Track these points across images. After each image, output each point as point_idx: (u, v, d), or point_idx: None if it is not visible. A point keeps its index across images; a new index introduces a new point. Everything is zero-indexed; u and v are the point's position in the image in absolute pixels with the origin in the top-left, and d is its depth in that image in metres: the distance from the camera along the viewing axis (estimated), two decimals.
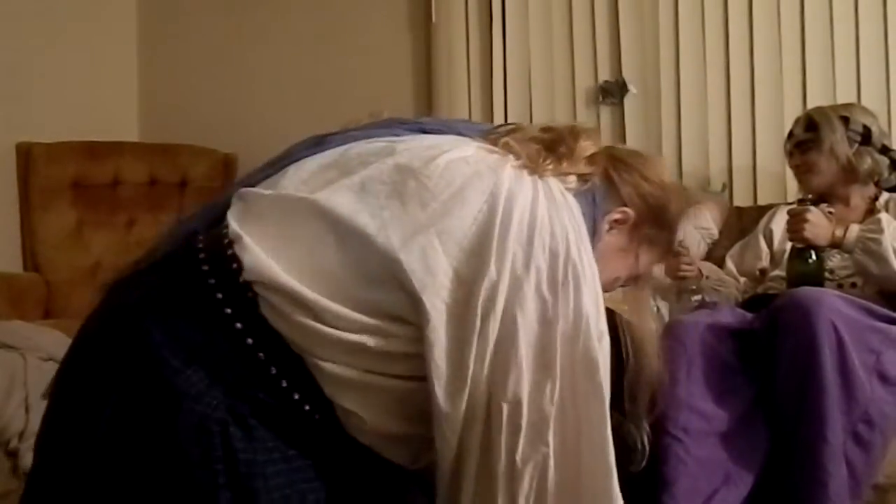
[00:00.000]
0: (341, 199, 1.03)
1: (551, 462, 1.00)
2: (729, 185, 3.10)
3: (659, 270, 2.45)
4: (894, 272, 2.01)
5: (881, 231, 2.03)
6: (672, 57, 3.16)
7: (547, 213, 1.03)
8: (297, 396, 1.01)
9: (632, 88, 3.18)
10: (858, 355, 1.79)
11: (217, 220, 1.09)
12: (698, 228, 2.82)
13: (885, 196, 2.37)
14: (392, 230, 1.00)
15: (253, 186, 1.11)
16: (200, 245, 1.06)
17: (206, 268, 1.03)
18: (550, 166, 1.09)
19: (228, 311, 1.00)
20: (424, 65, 3.46)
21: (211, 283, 1.02)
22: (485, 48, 3.36)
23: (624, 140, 3.20)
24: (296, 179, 1.09)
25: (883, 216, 2.09)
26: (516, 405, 0.97)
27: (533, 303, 0.99)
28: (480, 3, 3.37)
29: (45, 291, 3.06)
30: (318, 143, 1.17)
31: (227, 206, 1.09)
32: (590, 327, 1.02)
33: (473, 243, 1.00)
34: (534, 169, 1.07)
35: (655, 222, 1.19)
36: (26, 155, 3.13)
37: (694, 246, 2.63)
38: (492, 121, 3.32)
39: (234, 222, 1.05)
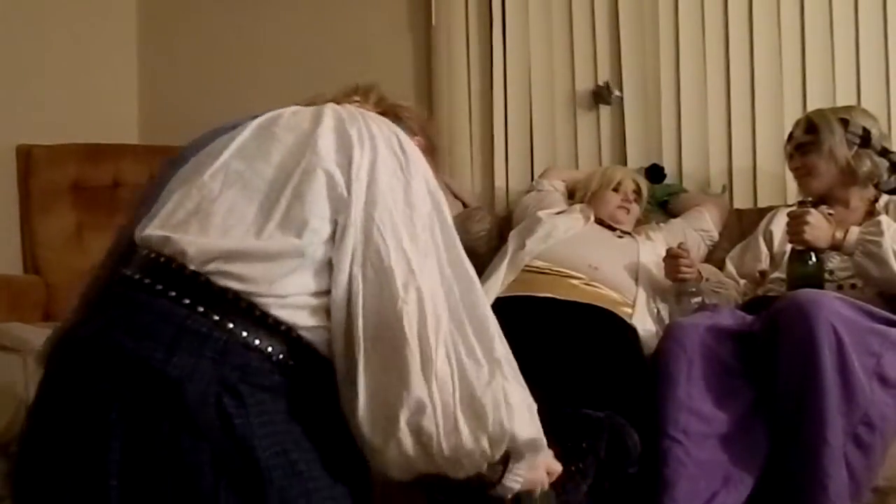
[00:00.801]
0: (236, 165, 1.22)
1: (425, 291, 1.11)
2: (729, 187, 3.10)
3: (659, 272, 2.46)
4: (894, 274, 2.01)
5: (881, 233, 2.03)
6: (672, 58, 3.16)
7: (373, 117, 1.29)
8: (270, 349, 1.11)
9: (616, 92, 3.18)
10: (858, 358, 1.78)
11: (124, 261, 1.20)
12: (698, 230, 2.82)
13: (884, 198, 2.37)
14: (282, 158, 1.21)
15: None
16: (131, 275, 1.16)
17: (147, 281, 1.14)
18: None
19: (187, 301, 1.11)
20: (424, 66, 3.46)
21: (159, 288, 1.12)
22: (485, 49, 3.36)
23: (624, 142, 3.21)
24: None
25: (883, 218, 2.09)
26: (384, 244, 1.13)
27: (391, 159, 1.20)
28: (480, 5, 3.37)
29: (44, 293, 3.06)
30: (173, 163, 1.32)
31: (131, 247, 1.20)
32: (431, 177, 1.24)
33: (338, 144, 1.20)
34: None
35: (429, 147, 1.44)
36: (26, 157, 3.13)
37: (694, 248, 2.64)
38: (492, 121, 3.33)
39: (154, 231, 1.17)
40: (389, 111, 1.41)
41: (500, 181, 3.33)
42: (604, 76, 3.23)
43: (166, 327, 1.09)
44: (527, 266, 2.48)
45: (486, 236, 3.07)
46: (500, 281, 2.44)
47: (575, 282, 2.40)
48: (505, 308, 2.33)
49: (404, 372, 1.08)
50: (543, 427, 1.98)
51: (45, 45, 3.18)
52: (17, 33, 3.11)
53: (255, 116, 1.35)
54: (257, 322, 1.11)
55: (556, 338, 2.15)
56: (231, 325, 1.10)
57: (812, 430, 1.76)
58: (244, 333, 1.10)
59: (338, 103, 1.33)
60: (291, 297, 1.13)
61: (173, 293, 1.11)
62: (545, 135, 3.30)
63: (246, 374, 1.09)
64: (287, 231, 1.14)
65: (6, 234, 3.14)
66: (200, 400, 1.05)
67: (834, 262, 2.21)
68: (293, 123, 1.29)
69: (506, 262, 2.51)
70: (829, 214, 2.17)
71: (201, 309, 1.10)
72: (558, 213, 2.74)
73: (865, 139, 2.33)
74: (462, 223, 3.10)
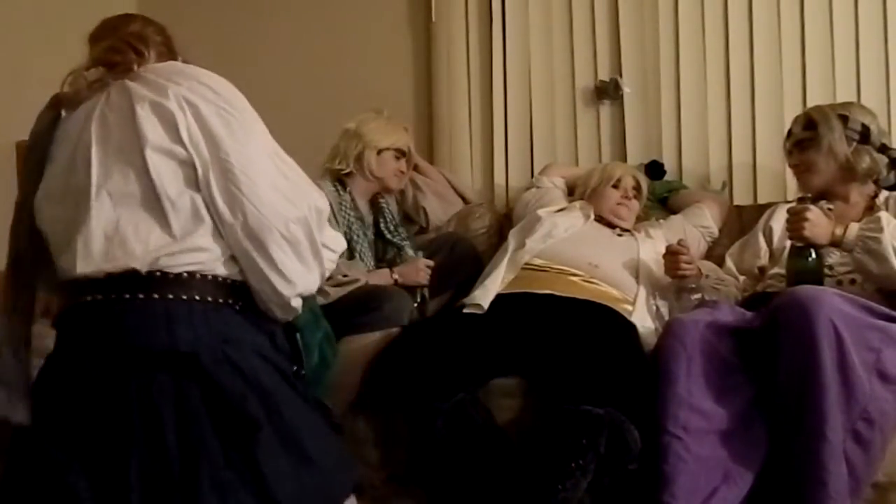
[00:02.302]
0: (109, 187, 1.42)
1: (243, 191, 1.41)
2: (729, 184, 3.10)
3: (659, 270, 2.46)
4: (894, 271, 2.01)
5: (881, 230, 2.03)
6: (672, 55, 3.16)
7: (165, 72, 1.52)
8: (230, 301, 1.43)
9: (625, 88, 3.18)
10: (858, 353, 1.79)
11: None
12: (698, 227, 2.82)
13: (884, 194, 2.37)
14: (136, 167, 1.44)
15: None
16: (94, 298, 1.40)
17: (114, 295, 1.38)
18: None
19: (156, 296, 1.36)
20: (424, 64, 3.46)
21: (126, 296, 1.37)
22: (485, 46, 3.36)
23: (624, 139, 3.21)
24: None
25: (882, 214, 2.09)
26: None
27: (206, 105, 1.44)
28: (480, 3, 3.37)
29: None
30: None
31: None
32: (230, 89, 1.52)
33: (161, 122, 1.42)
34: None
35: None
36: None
37: (694, 244, 2.64)
38: (491, 118, 3.33)
39: (90, 269, 1.39)
40: (165, 52, 1.61)
41: (500, 178, 3.33)
42: (604, 73, 3.23)
43: (155, 318, 1.36)
44: (526, 264, 2.48)
45: (487, 233, 3.07)
46: (500, 279, 2.45)
47: (575, 279, 2.41)
48: (505, 304, 2.34)
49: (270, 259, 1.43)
50: (544, 424, 1.99)
51: (45, 42, 3.18)
52: (16, 32, 3.11)
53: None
54: (212, 285, 1.41)
55: (555, 334, 2.16)
56: (198, 297, 1.39)
57: (811, 425, 1.76)
58: (209, 298, 1.39)
59: (126, 68, 1.52)
60: (217, 258, 1.42)
61: (141, 294, 1.36)
62: (545, 131, 3.30)
63: (230, 327, 1.40)
64: (185, 218, 1.41)
65: (4, 231, 3.14)
66: (213, 361, 1.34)
67: (833, 258, 2.22)
68: (117, 135, 1.44)
69: (506, 260, 2.52)
70: (829, 210, 2.17)
71: (171, 295, 1.37)
72: (558, 210, 2.74)
73: (865, 136, 2.33)
74: (462, 220, 3.10)
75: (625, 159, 3.17)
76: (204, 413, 1.33)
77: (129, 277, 1.36)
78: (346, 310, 2.44)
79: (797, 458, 1.78)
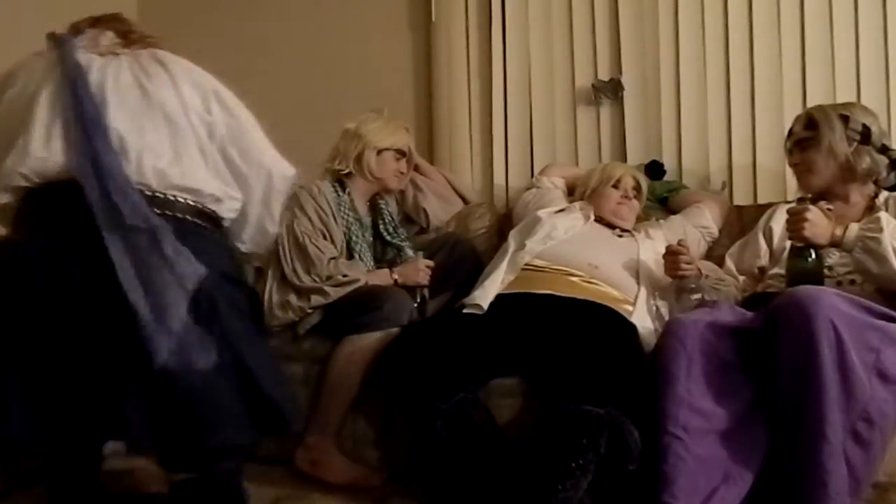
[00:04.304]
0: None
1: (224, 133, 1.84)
2: (729, 184, 3.10)
3: (659, 270, 2.46)
4: (894, 271, 2.01)
5: (880, 230, 2.03)
6: (672, 55, 3.17)
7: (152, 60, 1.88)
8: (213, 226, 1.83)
9: (626, 86, 3.18)
10: (858, 353, 1.78)
11: None
12: (698, 227, 2.82)
13: (884, 195, 2.37)
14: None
15: None
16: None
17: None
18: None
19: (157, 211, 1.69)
20: (424, 64, 3.46)
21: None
22: (484, 46, 3.36)
23: (624, 139, 3.21)
24: None
25: (882, 215, 2.09)
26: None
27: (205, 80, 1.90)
28: (480, 3, 3.37)
29: None
30: None
31: None
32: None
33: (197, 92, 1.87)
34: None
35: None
36: None
37: (693, 245, 2.64)
38: (491, 118, 3.34)
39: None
40: (146, 43, 1.90)
41: (499, 178, 3.34)
42: (604, 73, 3.24)
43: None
44: (526, 264, 2.48)
45: (487, 233, 3.08)
46: (500, 279, 2.45)
47: (574, 279, 2.41)
48: (504, 304, 2.34)
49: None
50: (544, 424, 1.99)
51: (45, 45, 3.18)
52: (16, 33, 3.10)
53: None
54: (199, 214, 1.77)
55: (555, 334, 2.16)
56: (189, 217, 1.75)
57: (811, 426, 1.76)
58: (197, 221, 1.76)
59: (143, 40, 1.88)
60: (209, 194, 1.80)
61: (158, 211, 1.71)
62: (545, 132, 3.31)
63: (222, 249, 1.80)
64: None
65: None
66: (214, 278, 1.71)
67: (833, 258, 2.21)
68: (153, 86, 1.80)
69: (506, 261, 2.52)
70: (829, 210, 2.17)
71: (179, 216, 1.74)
72: (558, 211, 2.74)
73: (865, 136, 2.33)
74: (462, 220, 3.10)
75: (625, 159, 3.17)
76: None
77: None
78: (346, 310, 2.44)
79: (797, 458, 1.78)
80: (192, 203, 1.76)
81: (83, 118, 1.66)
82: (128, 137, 1.71)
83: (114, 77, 1.76)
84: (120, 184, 1.63)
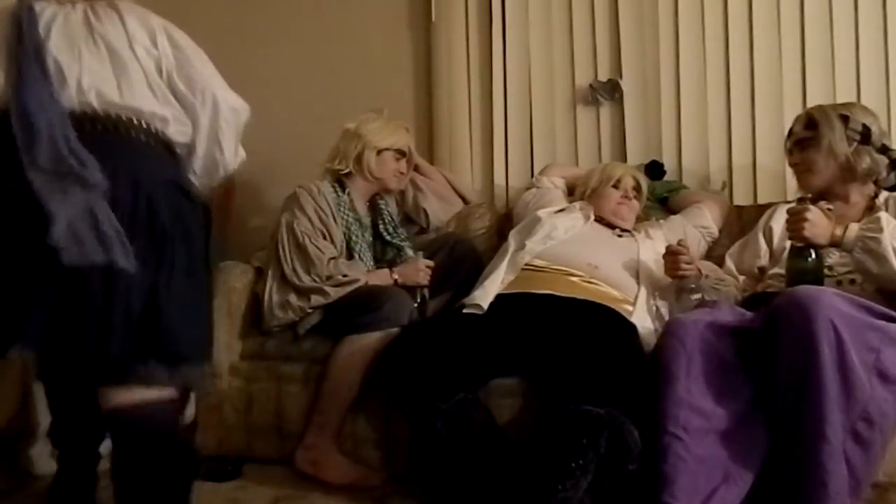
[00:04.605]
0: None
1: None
2: (729, 184, 3.10)
3: (659, 270, 2.46)
4: (894, 271, 2.01)
5: (880, 230, 2.03)
6: (672, 56, 3.17)
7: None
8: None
9: (624, 88, 3.18)
10: (857, 353, 1.78)
11: None
12: (698, 227, 2.82)
13: (884, 195, 2.37)
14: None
15: None
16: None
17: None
18: None
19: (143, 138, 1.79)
20: (424, 63, 3.46)
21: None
22: (484, 46, 3.36)
23: (624, 139, 3.21)
24: None
25: (882, 215, 2.09)
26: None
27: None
28: (480, 3, 3.37)
29: None
30: None
31: None
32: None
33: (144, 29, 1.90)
34: None
35: None
36: None
37: (693, 245, 2.64)
38: (491, 118, 3.33)
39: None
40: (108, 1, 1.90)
41: (499, 178, 3.34)
42: (604, 73, 3.24)
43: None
44: (526, 264, 2.48)
45: (487, 233, 3.08)
46: (500, 279, 2.45)
47: (574, 279, 2.41)
48: (504, 304, 2.34)
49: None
50: (544, 424, 2.00)
51: None
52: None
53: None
54: (145, 132, 1.80)
55: (555, 334, 2.16)
56: (133, 133, 1.78)
57: (811, 426, 1.76)
58: (140, 138, 1.79)
59: None
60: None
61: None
62: (545, 132, 3.30)
63: (167, 163, 1.84)
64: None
65: None
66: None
67: (833, 258, 2.22)
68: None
69: (506, 261, 2.52)
70: (829, 210, 2.16)
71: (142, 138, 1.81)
72: (558, 211, 2.74)
73: (865, 136, 2.33)
74: (462, 220, 3.10)
75: (625, 159, 3.17)
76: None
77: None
78: (346, 310, 2.44)
79: (797, 458, 1.78)
80: (136, 122, 1.79)
81: (23, 49, 1.71)
82: (69, 66, 1.74)
83: (64, 17, 1.80)
84: (43, 119, 1.65)
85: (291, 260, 2.54)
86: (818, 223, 2.08)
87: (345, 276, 2.51)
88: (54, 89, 1.70)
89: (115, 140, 1.75)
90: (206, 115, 1.89)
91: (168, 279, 1.67)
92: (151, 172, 1.75)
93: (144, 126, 1.80)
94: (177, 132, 1.87)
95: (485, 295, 2.37)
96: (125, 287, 1.61)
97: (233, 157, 1.97)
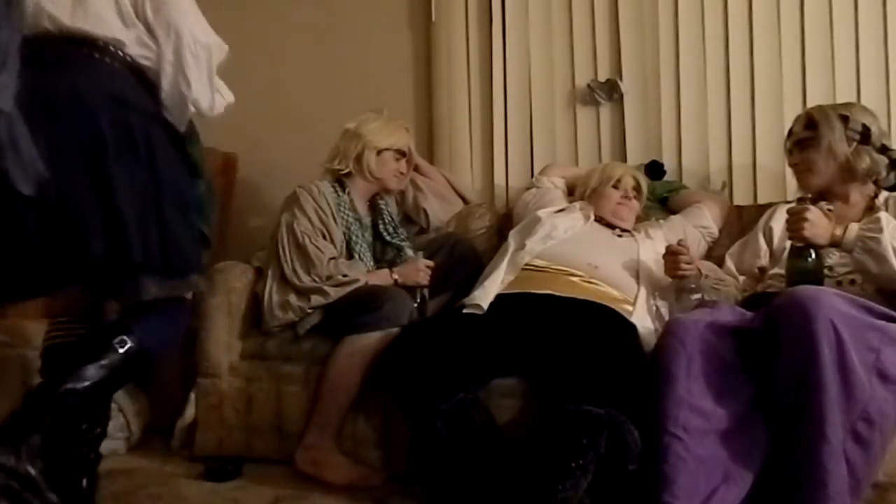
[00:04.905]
0: None
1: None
2: (729, 184, 3.10)
3: (659, 270, 2.46)
4: (894, 271, 2.01)
5: (880, 230, 2.03)
6: (672, 56, 3.17)
7: None
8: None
9: (624, 88, 3.19)
10: (857, 353, 1.78)
11: None
12: (698, 227, 2.82)
13: (884, 195, 2.37)
14: None
15: None
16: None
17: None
18: None
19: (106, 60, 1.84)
20: (424, 63, 3.46)
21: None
22: (484, 46, 3.36)
23: (624, 139, 3.21)
24: None
25: (882, 215, 2.09)
26: None
27: None
28: (480, 3, 3.37)
29: None
30: None
31: None
32: None
33: None
34: None
35: None
36: None
37: (693, 245, 2.64)
38: (491, 118, 3.34)
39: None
40: None
41: (500, 178, 3.34)
42: (604, 73, 3.24)
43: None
44: (526, 264, 2.48)
45: (487, 233, 3.08)
46: (500, 279, 2.45)
47: (574, 279, 2.41)
48: (505, 305, 2.34)
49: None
50: (544, 424, 1.99)
51: None
52: None
53: None
54: (100, 49, 1.84)
55: (555, 334, 2.16)
56: (86, 49, 1.82)
57: (811, 426, 1.76)
58: (90, 52, 1.83)
59: None
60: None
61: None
62: (545, 132, 3.31)
63: (119, 76, 1.86)
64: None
65: None
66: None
67: (833, 258, 2.22)
68: None
69: (506, 261, 2.52)
70: (829, 211, 2.16)
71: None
72: (558, 211, 2.74)
73: (865, 136, 2.33)
74: (462, 220, 3.10)
75: (625, 159, 3.17)
76: None
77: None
78: (346, 310, 2.44)
79: (797, 458, 1.78)
80: (90, 38, 1.82)
81: None
82: None
83: None
84: None
85: (291, 260, 2.54)
86: (818, 223, 2.08)
87: (345, 276, 2.51)
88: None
89: (63, 59, 1.78)
90: (170, 46, 1.88)
91: (111, 192, 1.72)
92: (97, 87, 1.76)
93: (101, 44, 1.82)
94: (138, 55, 1.87)
95: (485, 295, 2.37)
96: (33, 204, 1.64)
97: (206, 95, 1.95)
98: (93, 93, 1.75)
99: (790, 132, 2.47)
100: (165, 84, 1.90)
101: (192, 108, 1.96)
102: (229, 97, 2.05)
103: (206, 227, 2.07)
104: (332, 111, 3.18)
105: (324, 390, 2.39)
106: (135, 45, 1.86)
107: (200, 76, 1.92)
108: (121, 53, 1.85)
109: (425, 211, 3.01)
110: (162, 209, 1.83)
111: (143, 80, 1.90)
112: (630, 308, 2.35)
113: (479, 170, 3.37)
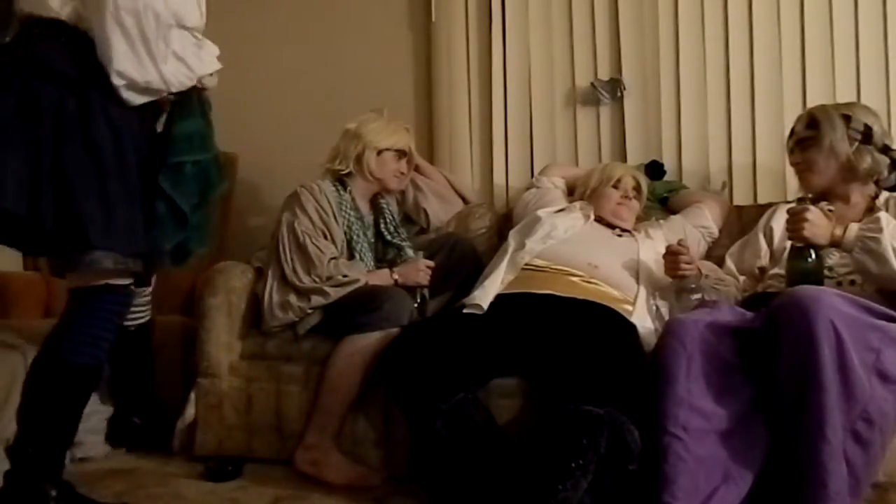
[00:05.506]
0: None
1: None
2: (729, 184, 3.10)
3: (659, 270, 2.46)
4: (894, 271, 2.01)
5: (880, 230, 2.03)
6: (672, 56, 3.17)
7: None
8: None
9: (626, 86, 3.19)
10: (857, 353, 1.78)
11: None
12: (698, 227, 2.82)
13: (884, 195, 2.36)
14: None
15: None
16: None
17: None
18: None
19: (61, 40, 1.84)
20: (424, 63, 3.46)
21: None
22: (484, 46, 3.36)
23: (624, 139, 3.21)
24: None
25: (882, 215, 2.08)
26: None
27: None
28: (480, 3, 3.37)
29: (45, 290, 3.06)
30: None
31: None
32: None
33: None
34: None
35: None
36: None
37: (694, 245, 2.64)
38: (491, 118, 3.34)
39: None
40: None
41: (499, 178, 3.34)
42: (604, 73, 3.24)
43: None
44: (526, 264, 2.48)
45: (487, 233, 3.08)
46: (500, 279, 2.45)
47: (574, 279, 2.41)
48: (505, 305, 2.34)
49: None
50: (544, 424, 1.99)
51: None
52: None
53: None
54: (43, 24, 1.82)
55: (555, 334, 2.16)
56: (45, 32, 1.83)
57: (811, 426, 1.76)
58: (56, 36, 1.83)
59: None
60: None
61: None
62: (545, 132, 3.31)
63: (58, 48, 1.83)
64: None
65: None
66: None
67: (833, 258, 2.21)
68: None
69: (505, 261, 2.52)
70: (829, 211, 2.16)
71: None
72: (558, 211, 2.74)
73: (867, 136, 2.33)
74: (462, 220, 3.10)
75: (625, 159, 3.17)
76: None
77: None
78: (346, 310, 2.44)
79: (797, 458, 1.78)
80: (42, 18, 1.83)
81: None
82: None
83: None
84: None
85: (292, 260, 2.54)
86: (818, 223, 2.08)
87: (345, 276, 2.51)
88: None
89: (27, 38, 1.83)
90: (96, 15, 1.79)
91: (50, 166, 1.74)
92: (41, 61, 1.78)
93: (37, 17, 1.83)
94: (60, 11, 1.83)
95: (485, 295, 2.37)
96: None
97: (135, 66, 1.81)
98: (44, 75, 1.77)
99: (792, 131, 2.47)
100: (98, 51, 1.81)
101: (158, 81, 1.85)
102: (204, 68, 1.95)
103: (190, 204, 1.97)
104: (332, 111, 3.18)
105: (324, 390, 2.39)
106: (73, 19, 1.82)
107: (127, 46, 1.79)
108: (59, 19, 1.83)
109: (425, 211, 3.01)
110: (68, 181, 1.76)
111: (83, 53, 1.83)
112: (630, 308, 2.35)
113: (478, 170, 3.37)
